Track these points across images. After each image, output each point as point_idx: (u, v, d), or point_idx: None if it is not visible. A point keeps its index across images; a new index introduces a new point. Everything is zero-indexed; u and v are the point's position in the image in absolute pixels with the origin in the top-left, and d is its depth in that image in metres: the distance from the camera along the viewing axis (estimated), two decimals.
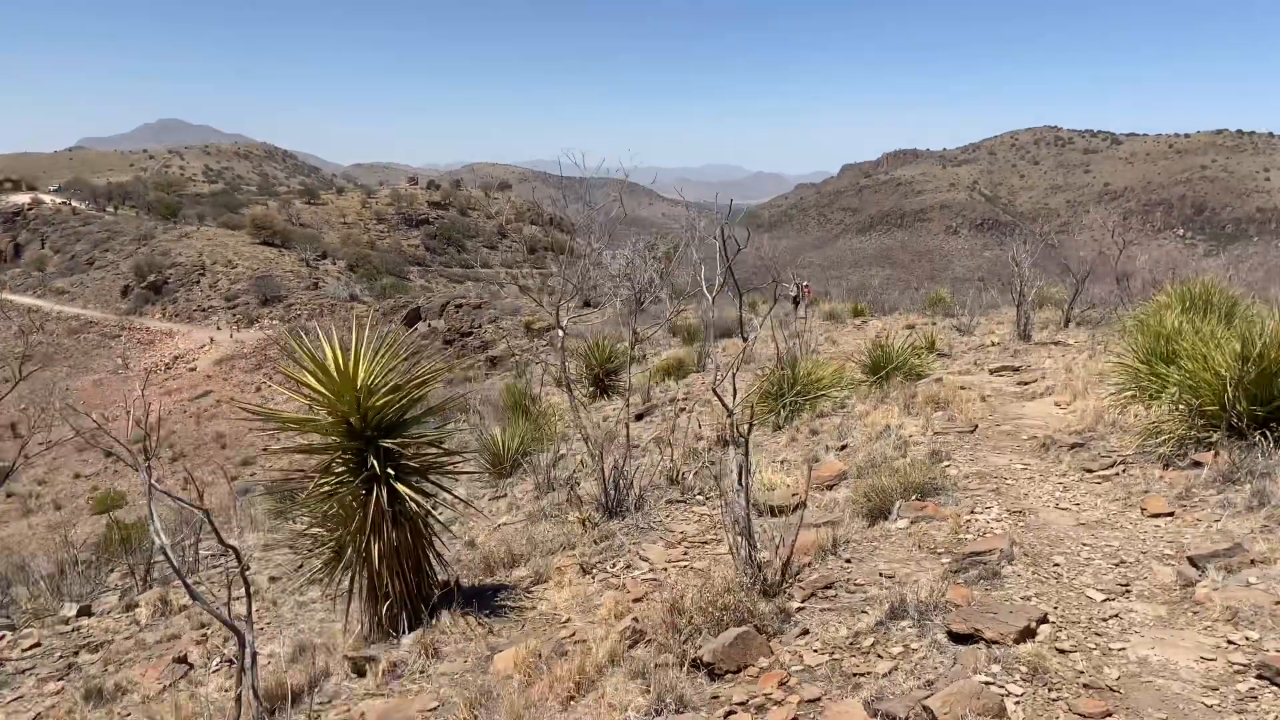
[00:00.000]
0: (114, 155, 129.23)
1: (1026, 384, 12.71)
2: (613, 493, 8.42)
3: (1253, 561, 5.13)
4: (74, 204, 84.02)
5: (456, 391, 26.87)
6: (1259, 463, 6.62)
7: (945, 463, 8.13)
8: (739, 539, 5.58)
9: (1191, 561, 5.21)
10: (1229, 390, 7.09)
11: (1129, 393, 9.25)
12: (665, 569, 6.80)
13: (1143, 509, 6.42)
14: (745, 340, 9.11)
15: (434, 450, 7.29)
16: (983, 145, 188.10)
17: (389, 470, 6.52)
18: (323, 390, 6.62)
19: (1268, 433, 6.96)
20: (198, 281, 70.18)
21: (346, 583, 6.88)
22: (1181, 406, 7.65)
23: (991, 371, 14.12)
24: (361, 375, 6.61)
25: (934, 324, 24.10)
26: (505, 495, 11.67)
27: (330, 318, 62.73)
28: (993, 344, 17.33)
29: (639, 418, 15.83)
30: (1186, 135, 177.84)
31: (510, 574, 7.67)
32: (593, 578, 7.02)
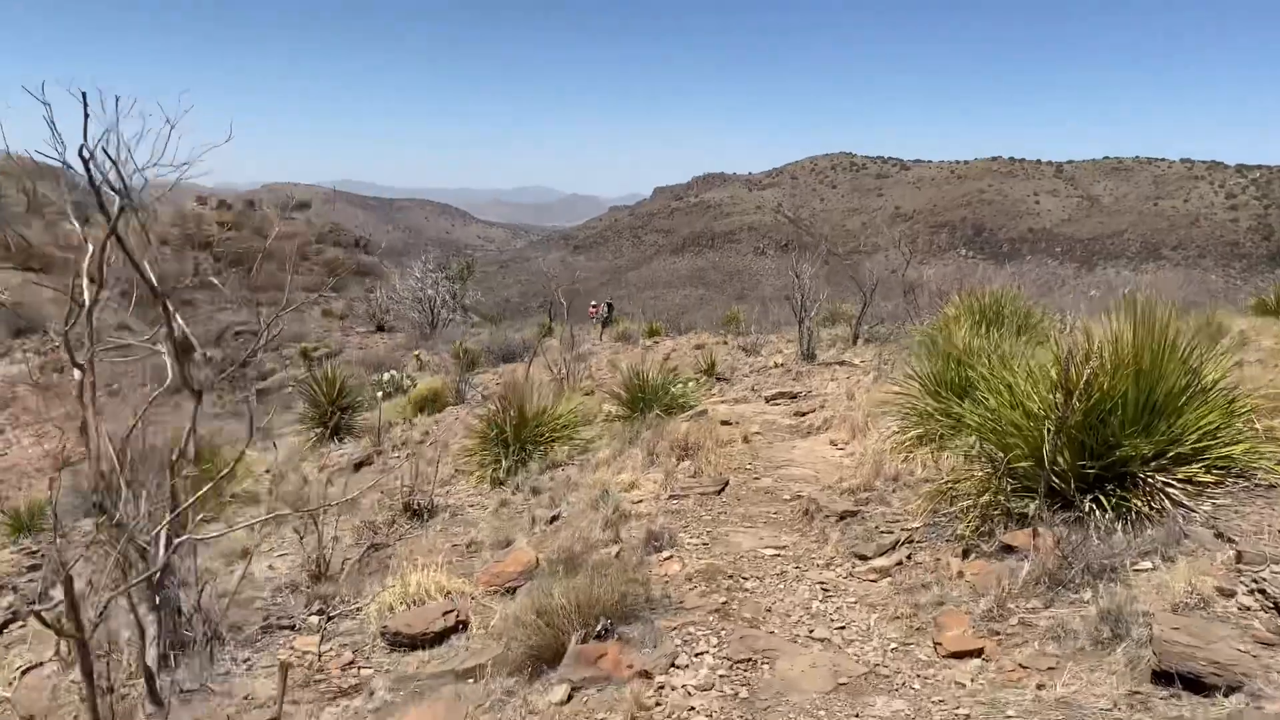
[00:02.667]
0: None
1: (803, 414, 10.46)
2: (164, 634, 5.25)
3: None
4: None
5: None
6: (1095, 547, 4.33)
7: (666, 553, 5.47)
8: None
9: None
10: (1047, 438, 4.79)
11: (914, 433, 6.99)
12: None
13: (937, 644, 3.95)
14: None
15: None
16: (785, 170, 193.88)
17: None
18: None
19: (1101, 499, 4.71)
20: None
21: None
22: (982, 460, 5.35)
23: (768, 399, 11.86)
24: None
25: (725, 343, 22.09)
26: None
27: (97, 349, 55.15)
28: (776, 365, 15.23)
29: (359, 467, 12.59)
30: (966, 162, 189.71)
31: None
32: None
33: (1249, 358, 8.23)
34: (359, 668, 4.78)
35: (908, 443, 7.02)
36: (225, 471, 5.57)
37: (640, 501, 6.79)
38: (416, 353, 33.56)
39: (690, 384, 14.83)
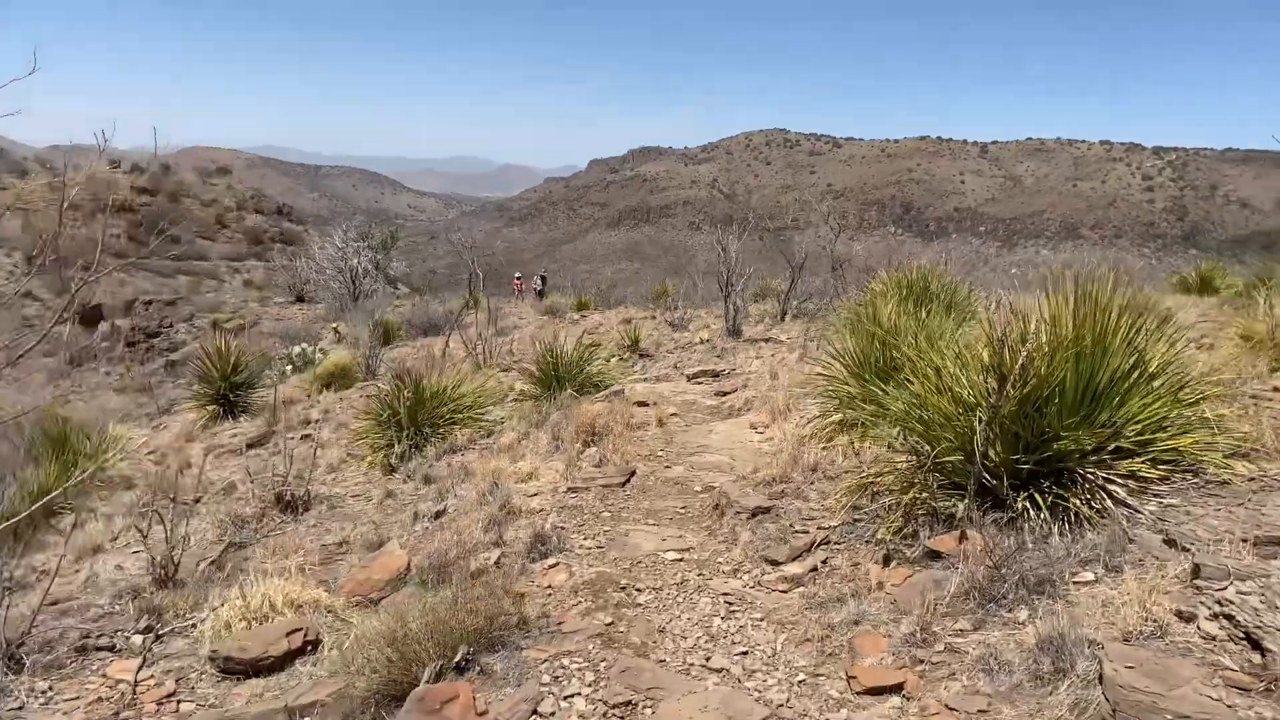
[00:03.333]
0: None
1: (724, 394, 9.86)
2: None
3: None
4: None
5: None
6: (1030, 554, 3.78)
7: (552, 559, 4.78)
8: None
9: None
10: (978, 429, 4.22)
11: (835, 418, 6.42)
12: None
13: (851, 677, 3.35)
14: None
15: None
16: (720, 145, 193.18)
17: None
18: None
19: (1037, 497, 4.17)
20: None
21: None
22: (907, 452, 4.77)
23: (690, 378, 11.24)
24: None
25: (653, 318, 21.45)
26: None
27: None
28: (702, 341, 14.64)
29: (250, 447, 11.62)
30: (896, 141, 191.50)
31: None
32: None
33: (1183, 338, 7.87)
34: (179, 701, 4.01)
35: (829, 429, 6.45)
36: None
37: (535, 495, 6.09)
38: (335, 325, 32.18)
39: (611, 360, 14.17)
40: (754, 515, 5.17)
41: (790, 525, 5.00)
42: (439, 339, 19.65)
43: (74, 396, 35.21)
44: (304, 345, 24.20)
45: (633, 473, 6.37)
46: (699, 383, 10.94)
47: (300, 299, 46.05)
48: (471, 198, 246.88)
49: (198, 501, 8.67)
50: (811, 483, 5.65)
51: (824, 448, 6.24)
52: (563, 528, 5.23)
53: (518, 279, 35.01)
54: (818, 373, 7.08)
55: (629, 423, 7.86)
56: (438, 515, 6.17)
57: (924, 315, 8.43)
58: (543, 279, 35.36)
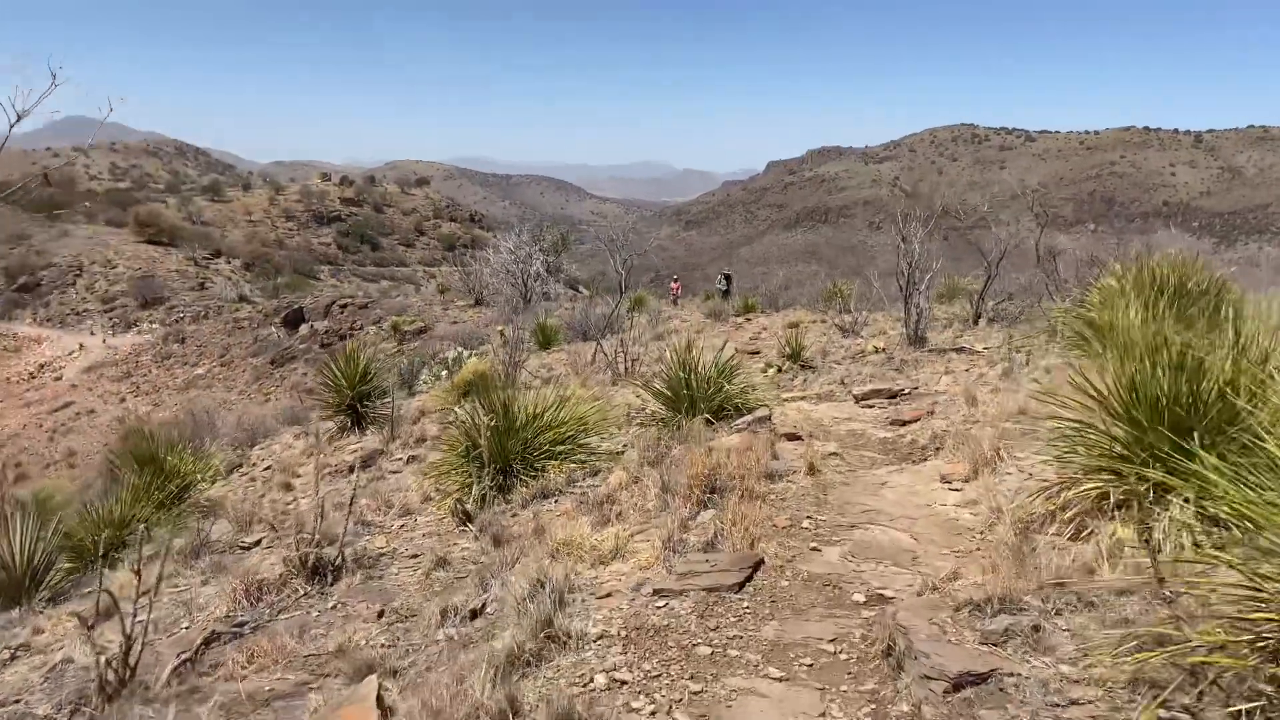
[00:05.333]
0: (15, 154, 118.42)
1: (904, 425, 7.36)
2: None
3: None
4: None
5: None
6: None
7: None
8: None
9: None
10: None
11: (1089, 487, 3.90)
12: None
13: None
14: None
15: None
16: (903, 142, 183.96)
17: None
18: None
19: None
20: (73, 283, 62.64)
21: None
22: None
23: (859, 399, 8.76)
24: None
25: (822, 321, 18.87)
26: None
27: (215, 320, 55.97)
28: (875, 350, 12.02)
29: (361, 467, 10.12)
30: (1096, 132, 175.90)
31: None
32: None
33: None
34: None
35: (1079, 502, 3.94)
36: None
37: (608, 595, 3.94)
38: (500, 328, 31.16)
39: (768, 371, 11.85)
40: (956, 688, 2.80)
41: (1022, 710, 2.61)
42: (591, 344, 17.89)
43: (263, 396, 36.46)
44: (460, 349, 23.25)
45: (758, 564, 4.08)
46: (870, 405, 8.46)
47: (478, 302, 46.10)
48: (652, 203, 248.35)
49: (256, 545, 7.14)
50: (1057, 611, 3.20)
51: (1073, 538, 3.75)
52: (624, 682, 3.06)
53: (674, 283, 32.75)
54: (1053, 411, 4.52)
55: (766, 470, 5.57)
56: (474, 615, 4.15)
57: (1195, 322, 5.75)
58: (727, 278, 32.33)
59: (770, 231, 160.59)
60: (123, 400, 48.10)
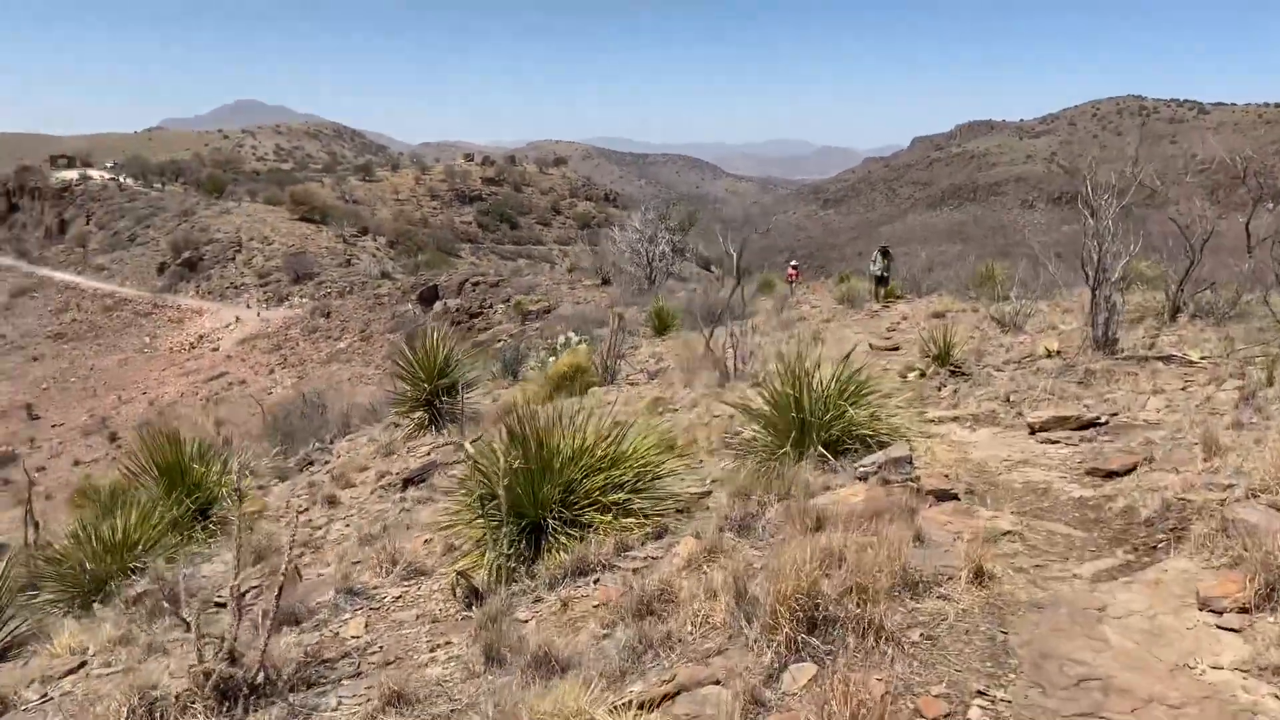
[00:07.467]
0: (191, 135, 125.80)
1: (1109, 477, 5.05)
2: None
3: None
4: (122, 180, 79.48)
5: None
6: None
7: None
8: None
9: None
10: None
11: None
12: None
13: None
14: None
15: None
16: (1062, 116, 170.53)
17: None
18: None
19: None
20: (233, 258, 65.50)
21: None
22: None
23: (1035, 429, 6.40)
24: None
25: (974, 310, 16.15)
26: None
27: (358, 295, 57.11)
28: (1049, 354, 9.46)
29: (408, 484, 8.52)
30: (1278, 105, 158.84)
31: None
32: None
33: None
34: None
35: None
36: None
37: None
38: (619, 310, 29.29)
39: (909, 375, 9.54)
40: None
41: None
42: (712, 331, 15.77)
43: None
44: (571, 334, 21.69)
45: None
46: (1053, 440, 6.11)
47: (605, 281, 44.66)
48: (789, 181, 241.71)
49: (256, 594, 5.58)
50: None
51: None
52: None
53: (792, 268, 29.50)
54: None
55: (904, 572, 3.46)
56: None
57: None
58: (884, 252, 23.65)
59: (914, 210, 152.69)
60: (271, 372, 49.65)
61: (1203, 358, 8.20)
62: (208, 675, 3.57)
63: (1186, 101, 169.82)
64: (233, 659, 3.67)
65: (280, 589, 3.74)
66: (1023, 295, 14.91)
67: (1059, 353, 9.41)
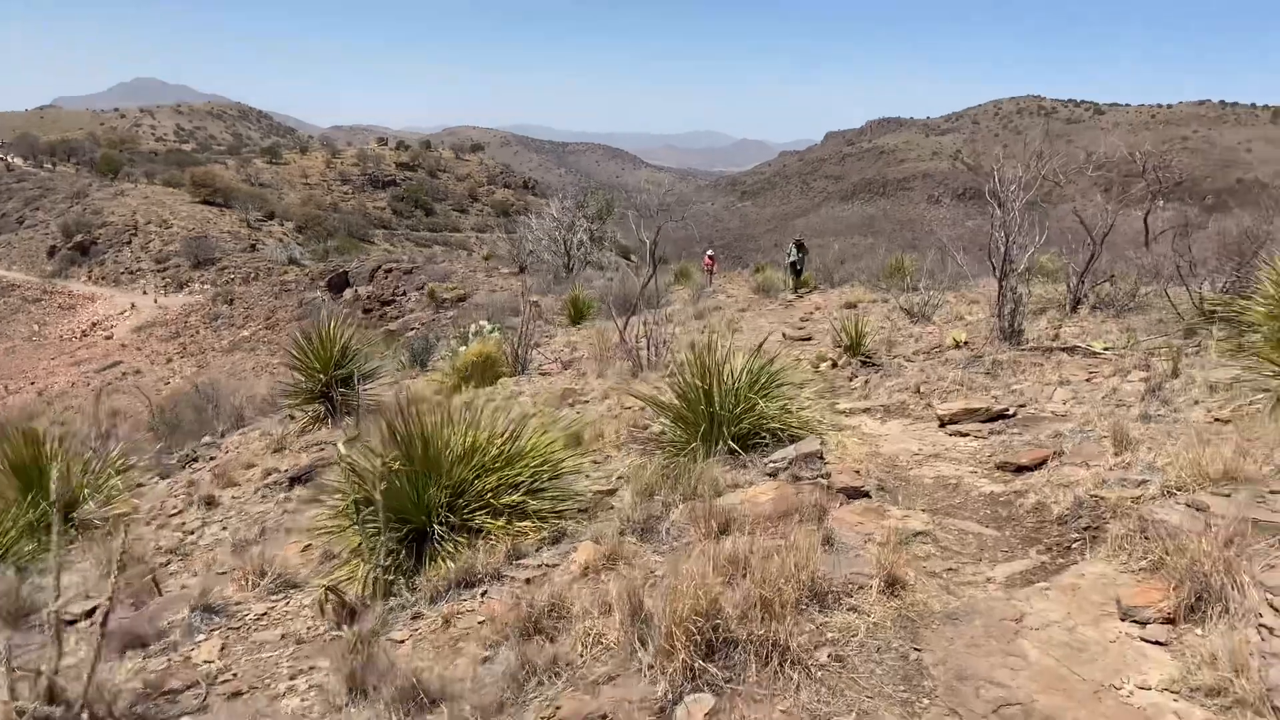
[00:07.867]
0: (85, 114, 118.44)
1: (1020, 472, 4.90)
2: None
3: None
4: (9, 159, 74.62)
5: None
6: None
7: None
8: None
9: None
10: None
11: None
12: None
13: None
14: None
15: None
16: (966, 114, 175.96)
17: None
18: None
19: None
20: (128, 242, 62.13)
21: None
22: None
23: (945, 421, 6.25)
24: None
25: (884, 301, 16.23)
26: None
27: (263, 281, 54.82)
28: (957, 344, 9.44)
29: (294, 482, 7.92)
30: (1169, 106, 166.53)
31: None
32: None
33: None
34: None
35: None
36: None
37: None
38: (534, 299, 28.61)
39: (821, 366, 9.38)
40: None
41: None
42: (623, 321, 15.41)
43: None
44: (483, 323, 21.07)
45: None
46: (963, 433, 5.96)
47: (522, 269, 43.87)
48: (708, 172, 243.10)
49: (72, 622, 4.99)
50: None
51: None
52: None
53: (709, 257, 29.16)
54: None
55: (811, 582, 3.17)
56: None
57: None
58: (799, 246, 23.56)
59: (826, 203, 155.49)
60: (169, 361, 47.26)
61: (1105, 349, 8.24)
62: (20, 716, 3.05)
63: (1084, 102, 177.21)
64: (52, 697, 3.16)
65: (109, 610, 3.23)
66: (930, 286, 15.03)
67: (967, 343, 9.39)
